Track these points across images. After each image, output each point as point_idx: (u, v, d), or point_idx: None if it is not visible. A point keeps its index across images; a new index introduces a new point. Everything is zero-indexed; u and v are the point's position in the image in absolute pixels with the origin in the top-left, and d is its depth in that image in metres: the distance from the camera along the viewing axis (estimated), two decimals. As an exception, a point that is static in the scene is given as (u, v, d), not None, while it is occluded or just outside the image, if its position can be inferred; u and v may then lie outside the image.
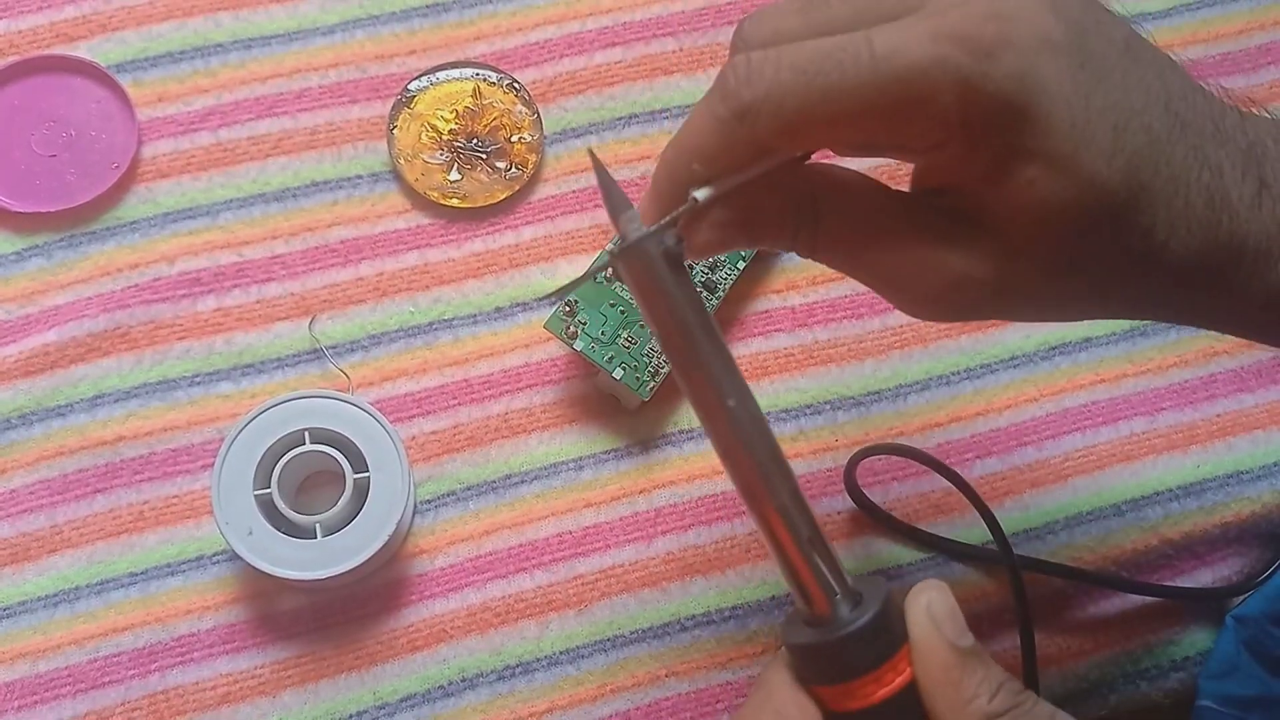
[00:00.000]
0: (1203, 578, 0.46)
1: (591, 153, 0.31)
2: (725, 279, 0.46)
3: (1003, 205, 0.28)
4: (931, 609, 0.28)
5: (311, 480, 0.44)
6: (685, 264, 0.29)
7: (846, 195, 0.30)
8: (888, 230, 0.30)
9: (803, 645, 0.29)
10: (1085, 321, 0.48)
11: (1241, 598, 0.45)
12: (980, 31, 0.26)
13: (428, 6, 0.50)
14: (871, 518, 0.45)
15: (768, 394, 0.46)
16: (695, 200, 0.29)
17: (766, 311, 0.47)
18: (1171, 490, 0.46)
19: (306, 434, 0.41)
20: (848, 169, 0.31)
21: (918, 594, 0.28)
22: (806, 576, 0.29)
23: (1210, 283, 0.30)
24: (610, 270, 0.31)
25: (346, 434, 0.41)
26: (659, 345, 0.29)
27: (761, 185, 0.29)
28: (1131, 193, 0.28)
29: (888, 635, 0.28)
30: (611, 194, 0.30)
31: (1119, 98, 0.27)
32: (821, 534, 0.29)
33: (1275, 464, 0.47)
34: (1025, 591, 0.42)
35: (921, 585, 0.29)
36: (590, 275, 0.31)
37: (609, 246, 0.30)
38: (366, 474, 0.41)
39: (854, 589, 0.29)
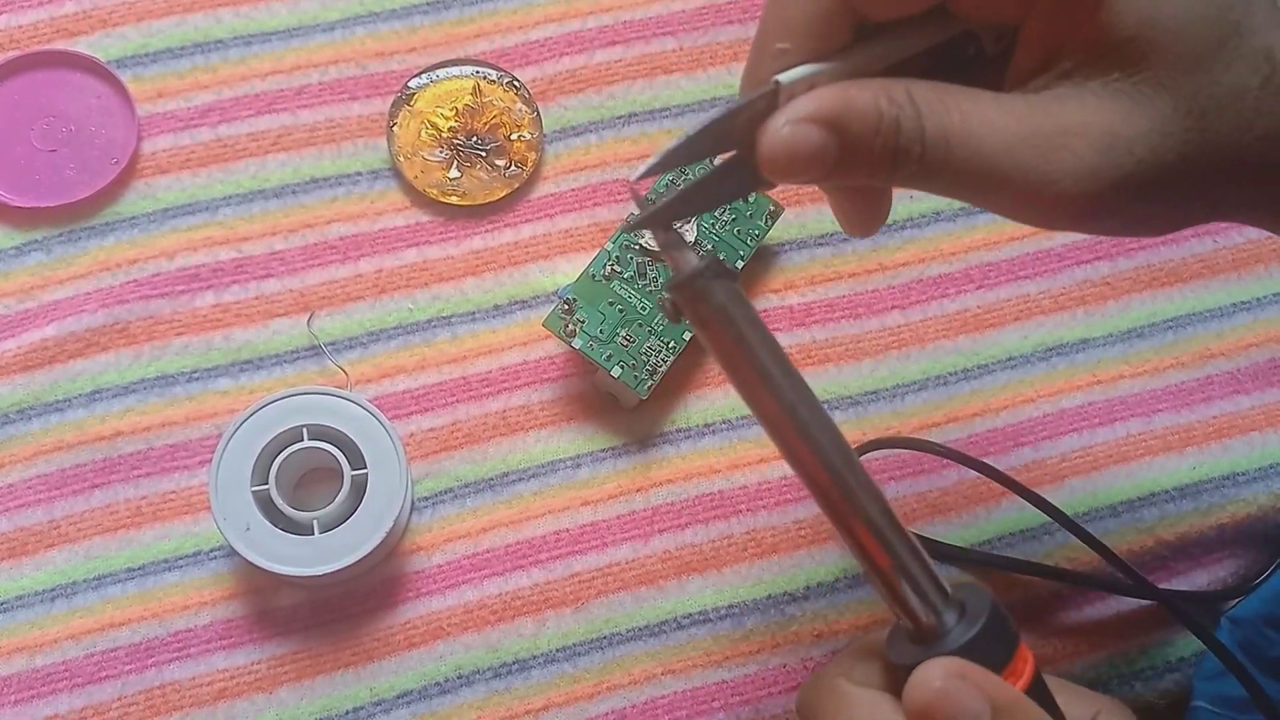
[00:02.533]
0: (1198, 579, 0.46)
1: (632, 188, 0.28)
2: (724, 278, 0.45)
3: (1117, 35, 0.26)
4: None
5: (309, 477, 0.44)
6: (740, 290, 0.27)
7: (947, 86, 0.27)
8: (1006, 109, 0.27)
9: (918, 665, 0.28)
10: (1090, 320, 0.48)
11: (1235, 600, 0.45)
12: None
13: (428, 4, 0.50)
14: None
15: (765, 393, 0.46)
16: (777, 84, 0.26)
17: (764, 311, 0.47)
18: (1167, 491, 0.46)
19: (304, 430, 0.41)
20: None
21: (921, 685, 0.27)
22: (908, 593, 0.28)
23: None
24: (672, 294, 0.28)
25: (344, 431, 0.41)
26: (724, 374, 0.28)
27: (852, 80, 0.27)
28: (1233, 21, 0.26)
29: (1002, 640, 0.27)
30: (661, 229, 0.27)
31: None
32: (918, 547, 0.28)
33: (1271, 466, 0.47)
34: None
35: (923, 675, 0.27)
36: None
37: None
38: (364, 471, 0.41)
39: (956, 598, 0.28)
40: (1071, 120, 0.26)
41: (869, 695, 0.29)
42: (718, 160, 0.28)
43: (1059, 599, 0.45)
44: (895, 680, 0.28)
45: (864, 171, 0.27)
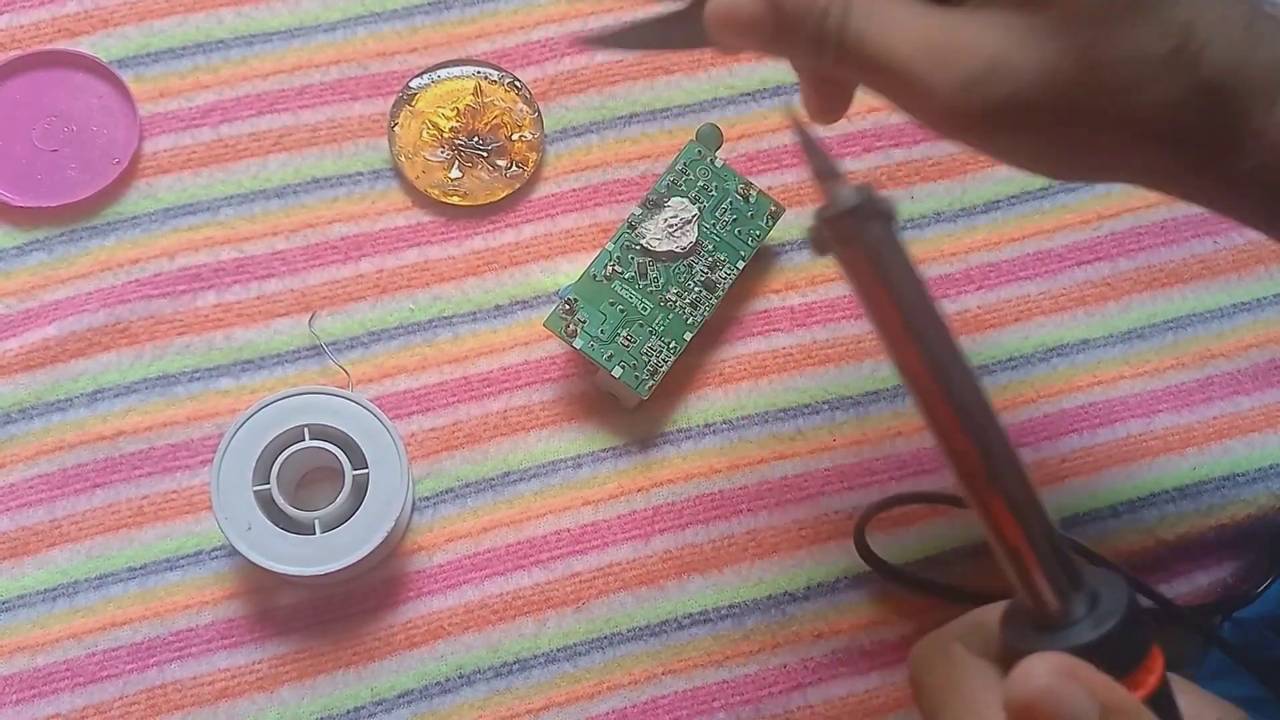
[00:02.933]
0: (1199, 580, 0.46)
1: (792, 115, 0.29)
2: (725, 278, 0.46)
3: None
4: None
5: (310, 476, 0.44)
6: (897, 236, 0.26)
7: None
8: (923, 20, 0.29)
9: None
10: (1090, 320, 0.48)
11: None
12: None
13: (430, 4, 0.50)
14: (882, 575, 0.44)
15: (766, 394, 0.46)
16: None
17: (766, 311, 0.47)
18: (1168, 492, 0.46)
19: (306, 430, 0.41)
20: None
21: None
22: (1039, 575, 0.26)
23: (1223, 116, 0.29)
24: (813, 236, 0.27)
25: (346, 430, 0.41)
26: (870, 320, 0.27)
27: None
28: None
29: (1130, 643, 0.26)
30: (816, 155, 0.27)
31: None
32: (1055, 526, 0.26)
33: (1271, 466, 0.47)
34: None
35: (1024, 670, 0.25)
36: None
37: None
38: (365, 470, 0.41)
39: (1090, 588, 0.26)
40: (966, 40, 0.28)
41: (980, 666, 0.27)
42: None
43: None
44: (1008, 657, 0.26)
45: (795, 49, 0.30)
